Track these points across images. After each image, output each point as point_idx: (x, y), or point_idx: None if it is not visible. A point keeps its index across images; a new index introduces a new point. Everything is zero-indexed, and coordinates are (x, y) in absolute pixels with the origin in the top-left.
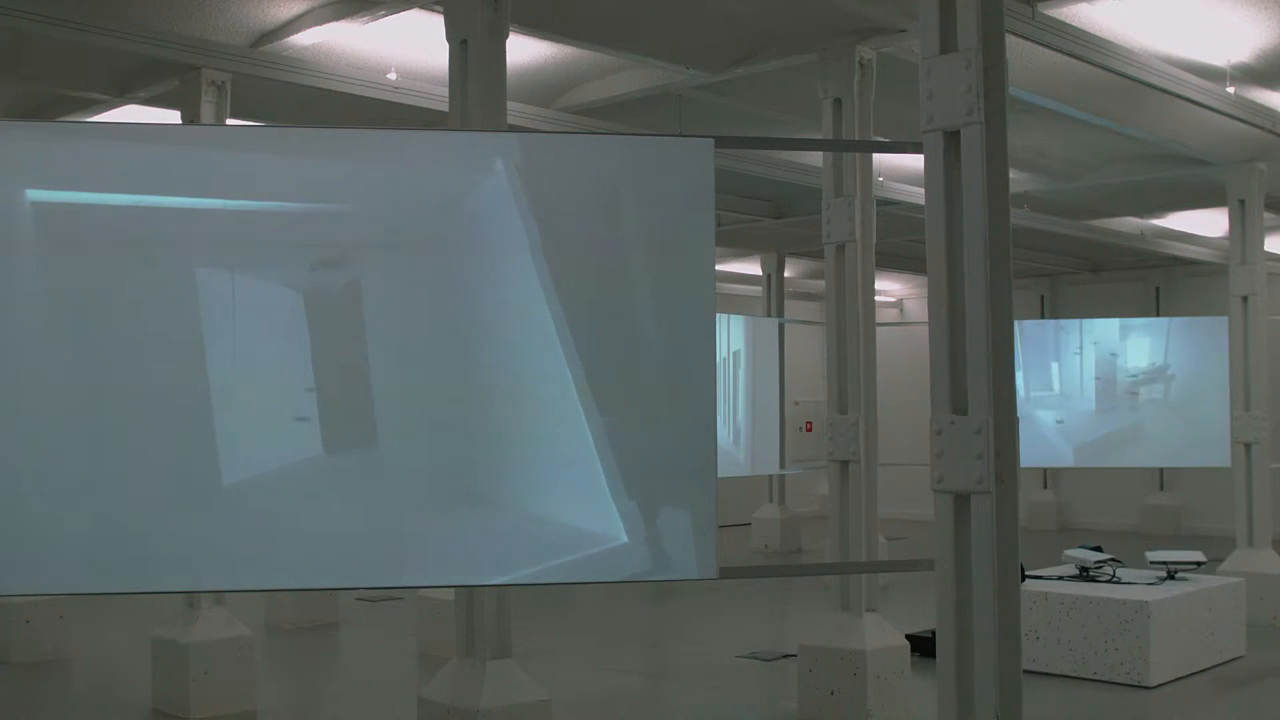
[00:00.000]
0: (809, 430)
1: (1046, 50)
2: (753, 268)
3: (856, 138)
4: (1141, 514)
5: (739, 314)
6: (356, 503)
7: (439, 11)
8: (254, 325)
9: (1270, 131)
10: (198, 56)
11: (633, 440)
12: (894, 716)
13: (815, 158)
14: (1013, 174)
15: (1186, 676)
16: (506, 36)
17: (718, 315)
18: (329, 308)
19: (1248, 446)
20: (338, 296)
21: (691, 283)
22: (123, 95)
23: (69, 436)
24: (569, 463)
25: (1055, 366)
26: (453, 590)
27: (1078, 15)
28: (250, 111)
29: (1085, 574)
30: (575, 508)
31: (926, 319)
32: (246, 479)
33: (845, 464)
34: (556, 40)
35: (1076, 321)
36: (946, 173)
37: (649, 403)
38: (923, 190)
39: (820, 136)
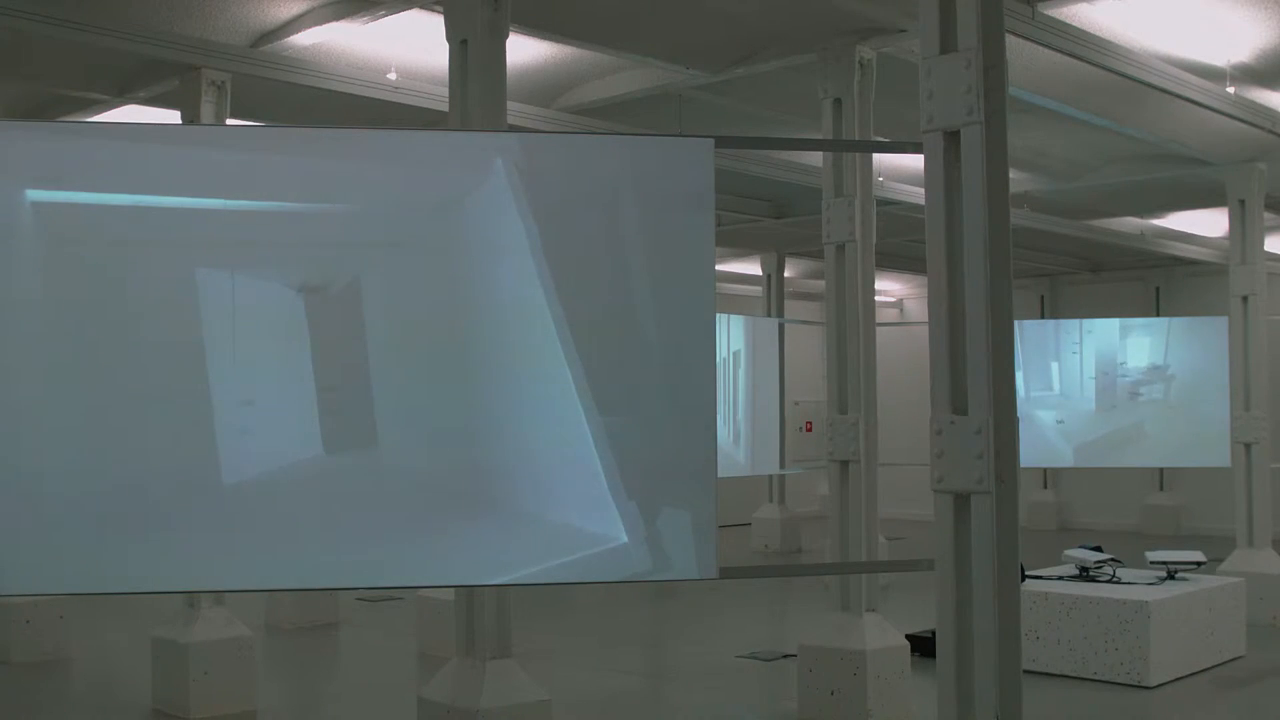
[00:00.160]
0: (809, 430)
1: (1046, 50)
2: (753, 268)
3: (856, 138)
4: (1141, 514)
5: (739, 314)
6: (356, 503)
7: (439, 11)
8: (254, 325)
9: (1270, 131)
10: (198, 56)
11: (633, 440)
12: (894, 716)
13: (815, 158)
14: (1013, 174)
15: (1186, 676)
16: (506, 36)
17: (718, 315)
18: (329, 308)
19: (1248, 446)
20: (338, 296)
21: (691, 283)
22: (123, 95)
23: (69, 436)
24: (569, 463)
25: (1055, 366)
26: (453, 590)
27: (1078, 15)
28: (250, 111)
29: (1085, 574)
30: (575, 508)
31: (926, 319)
32: (246, 479)
33: (845, 464)
34: (556, 40)
35: (1076, 321)
36: (946, 173)
37: (649, 403)
38: (923, 190)
39: (820, 136)
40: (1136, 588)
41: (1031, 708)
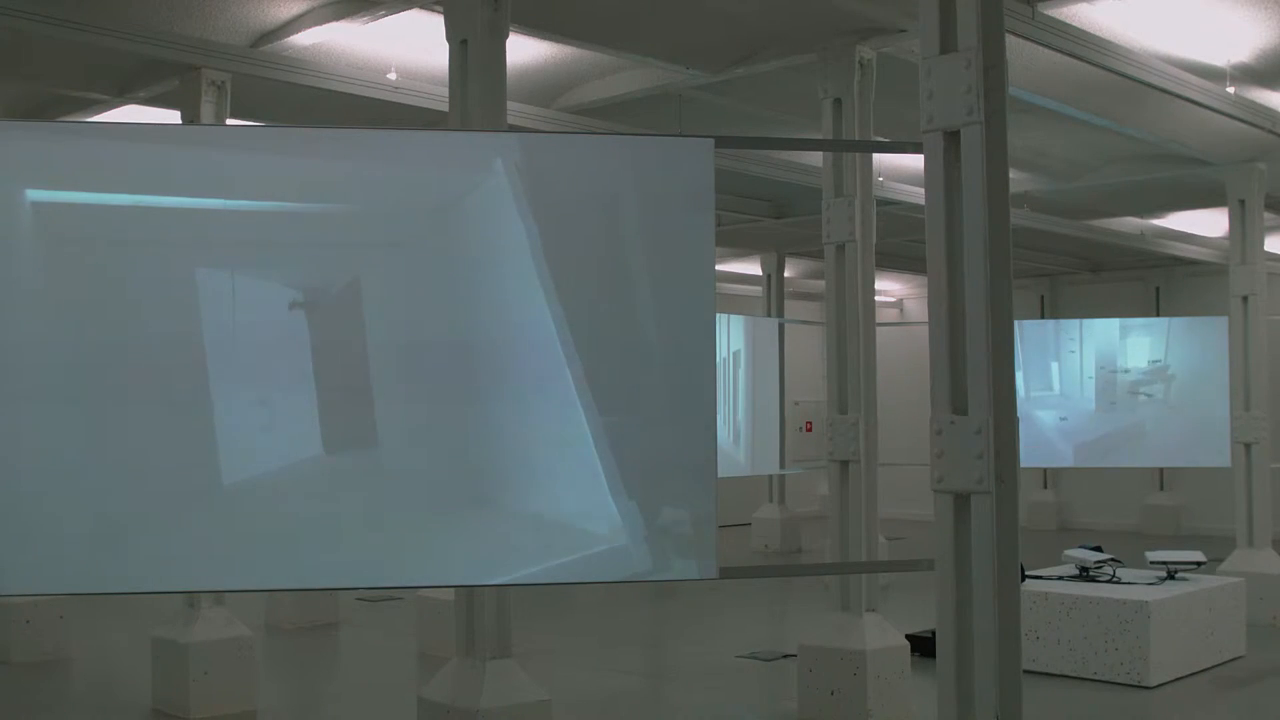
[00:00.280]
0: (809, 430)
1: (1046, 50)
2: (753, 268)
3: (856, 138)
4: (1141, 514)
5: (739, 314)
6: (356, 503)
7: (439, 11)
8: (254, 325)
9: (1270, 131)
10: (198, 56)
11: (633, 440)
12: (894, 716)
13: (815, 158)
14: (1013, 174)
15: (1186, 676)
16: (506, 36)
17: (718, 315)
18: (329, 308)
19: (1248, 446)
20: (338, 297)
21: (691, 283)
22: (123, 95)
23: (69, 436)
24: (569, 463)
25: (1055, 366)
26: (453, 590)
27: (1078, 15)
28: (250, 111)
29: (1085, 574)
30: (575, 508)
31: (926, 319)
32: (246, 479)
33: (845, 464)
34: (556, 40)
35: (1076, 321)
36: (946, 173)
37: (649, 403)
38: (923, 190)
39: (820, 136)
40: (1136, 588)
41: (1031, 708)
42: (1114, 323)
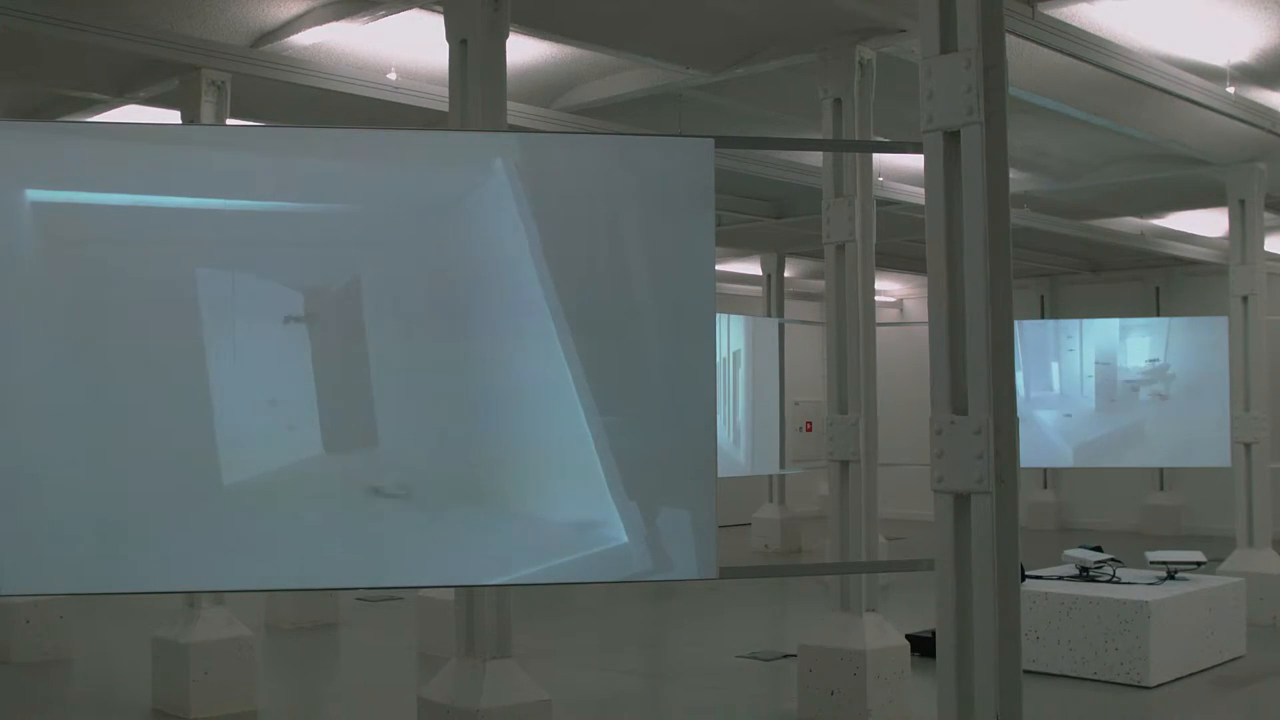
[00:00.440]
0: (809, 430)
1: (1046, 50)
2: (753, 268)
3: (856, 138)
4: (1141, 514)
5: (739, 314)
6: (356, 503)
7: (439, 11)
8: (254, 325)
9: (1270, 131)
10: (198, 56)
11: (633, 440)
12: (894, 716)
13: (815, 158)
14: (1013, 174)
15: (1186, 676)
16: (506, 36)
17: (718, 315)
18: (329, 308)
19: (1248, 446)
20: (338, 296)
21: (691, 283)
22: (123, 95)
23: (69, 436)
24: (569, 463)
25: (1055, 366)
26: (453, 590)
27: (1078, 15)
28: (250, 111)
29: (1085, 574)
30: (575, 508)
31: (926, 319)
32: (246, 479)
33: (845, 464)
34: (556, 40)
35: (1076, 321)
36: (946, 173)
37: (649, 403)
38: (923, 190)
39: (820, 136)
40: (1136, 588)
41: (1031, 708)
42: (1114, 323)
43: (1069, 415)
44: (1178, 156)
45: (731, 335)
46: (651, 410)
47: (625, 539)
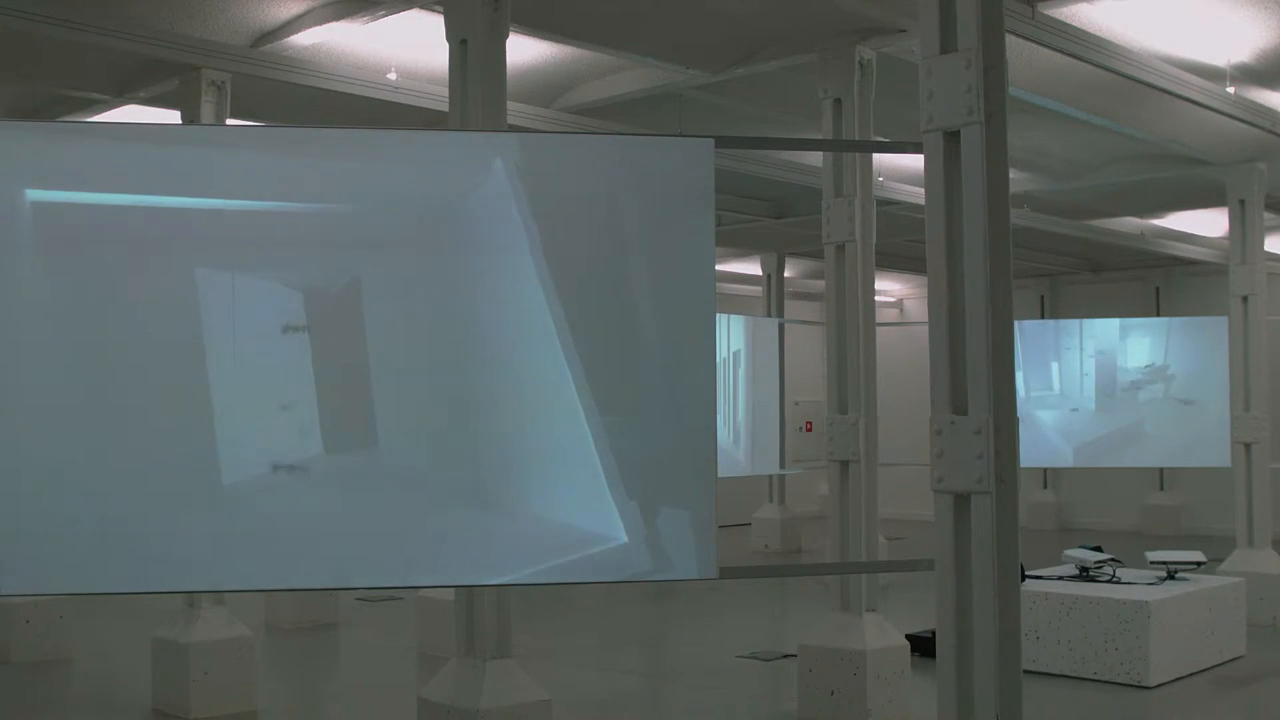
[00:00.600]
0: (809, 430)
1: (1046, 50)
2: (753, 268)
3: (856, 138)
4: (1141, 514)
5: (739, 314)
6: (356, 503)
7: (439, 11)
8: (254, 325)
9: (1270, 131)
10: (198, 56)
11: (633, 440)
12: (894, 716)
13: (815, 158)
14: (1013, 174)
15: (1186, 676)
16: (506, 36)
17: (718, 315)
18: (329, 308)
19: (1248, 446)
20: (338, 296)
21: (691, 283)
22: (123, 95)
23: (69, 436)
24: (569, 463)
25: (1055, 366)
26: (453, 590)
27: (1078, 15)
28: (250, 111)
29: (1085, 574)
30: (575, 508)
31: (926, 319)
32: (246, 479)
33: (845, 464)
34: (556, 40)
35: (1076, 321)
36: (946, 173)
37: (649, 403)
38: (923, 190)
39: (820, 136)
40: (1136, 588)
41: (1031, 708)
42: (1114, 323)
43: (1075, 409)
44: (1178, 156)
45: (731, 335)
46: (651, 410)
47: (625, 539)
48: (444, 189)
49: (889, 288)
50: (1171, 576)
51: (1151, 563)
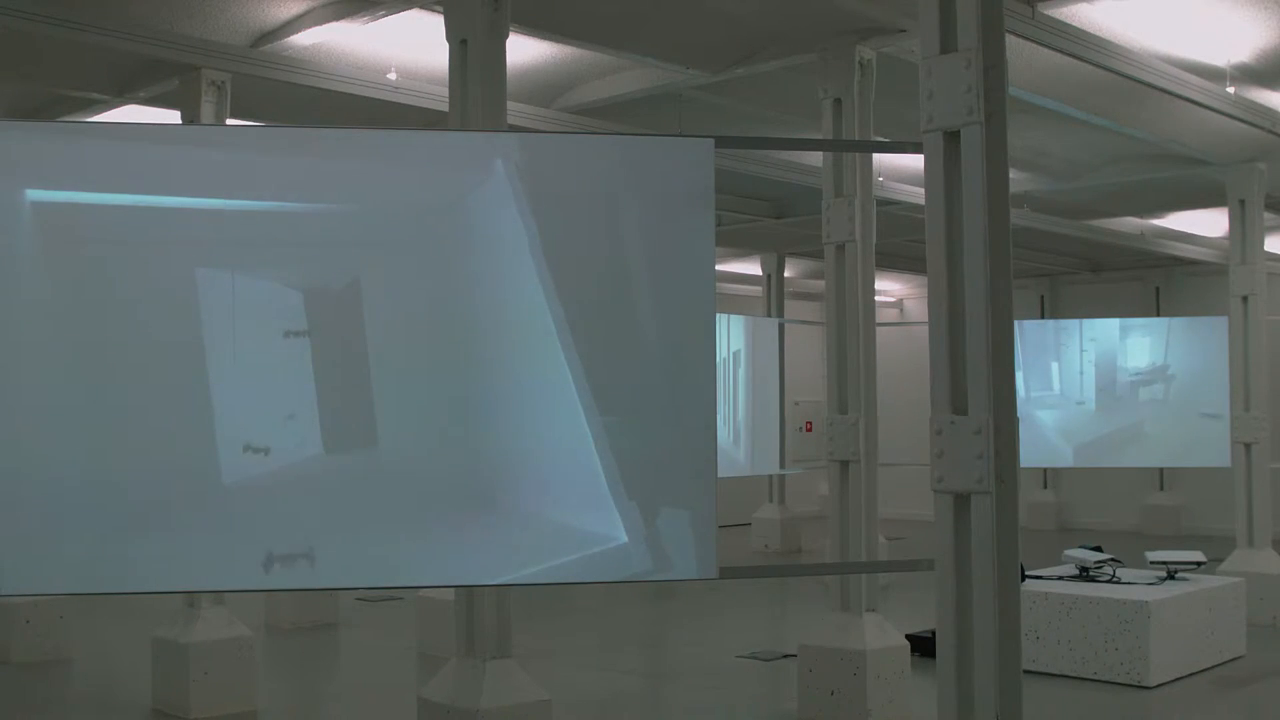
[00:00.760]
0: (809, 430)
1: (1046, 50)
2: (753, 268)
3: (856, 138)
4: (1141, 514)
5: (739, 314)
6: (356, 503)
7: (439, 11)
8: (254, 325)
9: (1270, 131)
10: (198, 56)
11: (633, 440)
12: (894, 716)
13: (815, 158)
14: (1013, 174)
15: (1186, 676)
16: (506, 36)
17: (718, 315)
18: (329, 308)
19: (1248, 446)
20: (338, 296)
21: (691, 283)
22: (123, 95)
23: (69, 436)
24: (569, 463)
25: (1055, 366)
26: (453, 590)
27: (1078, 15)
28: (250, 111)
29: (1085, 574)
30: (575, 508)
31: (926, 319)
32: (246, 479)
33: (845, 464)
34: (556, 40)
35: (1076, 321)
36: (946, 173)
37: (649, 403)
38: (923, 190)
39: (820, 136)
40: (1136, 588)
41: (1031, 708)
42: (1114, 323)
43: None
44: (1178, 156)
45: (731, 335)
46: (651, 410)
47: (625, 539)
48: (444, 189)
49: (889, 288)
50: (1171, 576)
51: (1151, 563)
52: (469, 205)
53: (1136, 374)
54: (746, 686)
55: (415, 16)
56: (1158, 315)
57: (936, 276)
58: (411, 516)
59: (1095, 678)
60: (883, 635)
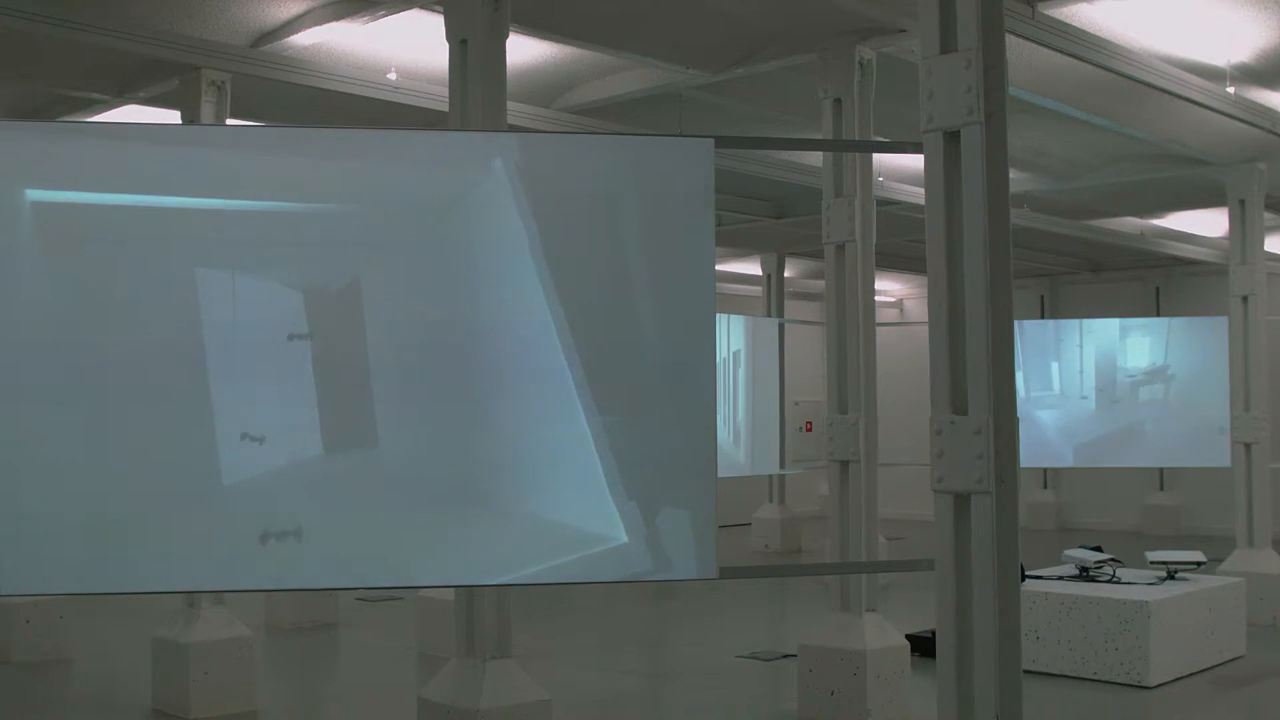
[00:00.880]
0: (809, 430)
1: (1046, 50)
2: (753, 268)
3: (856, 138)
4: (1141, 514)
5: (739, 314)
6: (356, 503)
7: (439, 11)
8: (254, 325)
9: (1270, 131)
10: (198, 56)
11: (633, 440)
12: (894, 716)
13: (815, 158)
14: (1013, 174)
15: (1186, 676)
16: (506, 36)
17: (718, 315)
18: (329, 308)
19: (1248, 446)
20: (338, 296)
21: (691, 283)
22: (123, 95)
23: (69, 436)
24: (569, 463)
25: (1055, 366)
26: (453, 590)
27: (1078, 15)
28: (250, 111)
29: (1085, 574)
30: (575, 508)
31: (926, 319)
32: (246, 479)
33: (845, 464)
34: (556, 40)
35: (1076, 321)
36: (946, 173)
37: (649, 403)
38: (923, 190)
39: (820, 136)
40: (1136, 588)
41: (1031, 708)
42: (1114, 323)
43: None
44: (1178, 156)
45: (731, 335)
46: (651, 410)
47: (625, 539)
48: (444, 189)
49: (889, 288)
50: (1171, 576)
51: (1151, 563)
52: (469, 205)
53: (1136, 374)
54: (746, 686)
55: (415, 16)
56: (1158, 315)
57: (936, 276)
58: (411, 516)
59: (1095, 678)
60: (883, 635)
